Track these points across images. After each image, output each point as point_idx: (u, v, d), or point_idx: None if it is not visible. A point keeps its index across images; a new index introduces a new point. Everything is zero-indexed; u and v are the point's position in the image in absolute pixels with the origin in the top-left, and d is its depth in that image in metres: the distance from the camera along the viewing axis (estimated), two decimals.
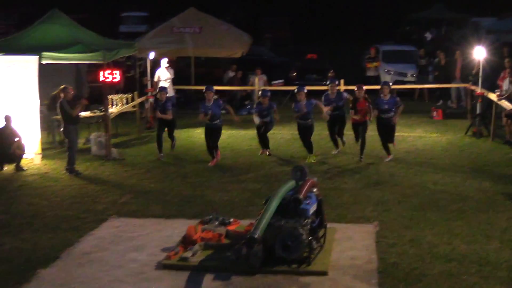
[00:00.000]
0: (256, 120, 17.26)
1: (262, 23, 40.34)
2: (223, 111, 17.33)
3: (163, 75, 21.57)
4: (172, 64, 26.22)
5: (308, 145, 17.16)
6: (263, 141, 17.61)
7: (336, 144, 17.96)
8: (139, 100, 21.00)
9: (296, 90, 17.14)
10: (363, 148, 16.99)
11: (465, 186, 14.71)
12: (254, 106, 18.23)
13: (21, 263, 10.57)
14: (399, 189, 14.50)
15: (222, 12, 29.69)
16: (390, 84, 14.92)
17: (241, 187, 14.76)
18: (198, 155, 17.14)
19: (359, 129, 16.95)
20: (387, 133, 16.48)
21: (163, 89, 16.26)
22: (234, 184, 15.12)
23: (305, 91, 16.76)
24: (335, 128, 17.75)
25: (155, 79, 21.71)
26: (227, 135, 20.38)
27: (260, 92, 18.13)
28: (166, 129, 17.69)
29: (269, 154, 17.60)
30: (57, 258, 10.73)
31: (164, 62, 21.97)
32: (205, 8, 26.64)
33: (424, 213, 12.89)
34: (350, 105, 17.22)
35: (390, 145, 16.80)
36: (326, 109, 17.21)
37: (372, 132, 16.56)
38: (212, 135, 16.57)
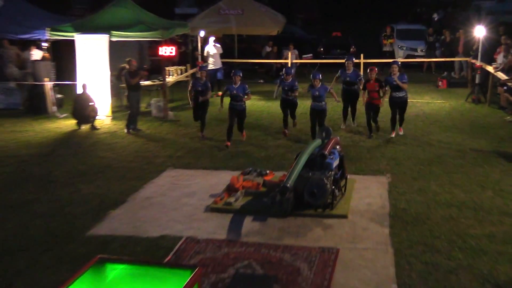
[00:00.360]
0: (276, 91, 15.75)
1: (294, 5, 40.02)
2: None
3: (211, 50, 21.53)
4: (218, 41, 26.36)
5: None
6: (285, 121, 15.75)
7: (344, 119, 16.68)
8: (191, 71, 21.01)
9: (311, 76, 14.93)
10: (376, 128, 15.67)
11: (465, 144, 14.63)
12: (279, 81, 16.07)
13: (96, 205, 10.82)
14: (408, 147, 14.47)
15: None
16: (399, 62, 13.62)
17: (276, 144, 14.80)
18: None
19: (371, 112, 15.34)
20: (400, 109, 15.00)
21: (204, 67, 14.93)
22: (270, 142, 15.16)
23: (320, 77, 14.70)
24: (349, 103, 16.22)
25: (205, 53, 21.72)
26: (265, 101, 20.42)
27: (283, 70, 16.45)
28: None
29: (286, 135, 15.69)
30: (124, 202, 11.00)
31: (212, 39, 21.86)
32: None
33: (430, 167, 12.89)
34: (361, 86, 15.76)
35: (397, 130, 15.43)
36: (337, 99, 15.68)
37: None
38: (238, 116, 14.84)
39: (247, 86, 14.96)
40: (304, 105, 17.16)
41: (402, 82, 14.57)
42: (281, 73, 23.93)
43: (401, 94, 14.54)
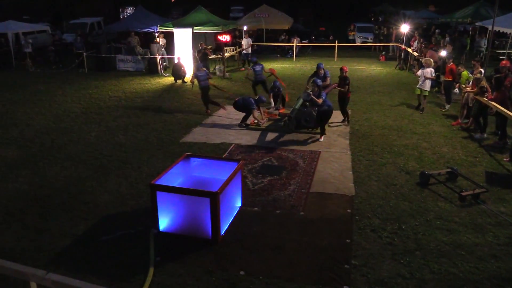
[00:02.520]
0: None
1: (298, 11, 38.64)
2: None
3: (244, 41, 20.22)
4: (254, 33, 25.63)
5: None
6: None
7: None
8: (238, 50, 20.53)
9: (316, 67, 11.03)
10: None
11: (393, 93, 14.21)
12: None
13: (185, 124, 10.80)
14: (361, 94, 14.05)
15: (279, 6, 28.73)
16: (320, 82, 9.54)
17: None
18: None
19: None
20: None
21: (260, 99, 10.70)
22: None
23: (323, 67, 11.05)
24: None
25: (242, 43, 20.51)
26: (280, 65, 19.92)
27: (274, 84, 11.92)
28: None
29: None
30: (200, 123, 10.93)
31: (245, 35, 20.47)
32: (270, 3, 25.76)
33: (373, 105, 12.58)
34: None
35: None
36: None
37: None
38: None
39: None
40: (301, 68, 16.64)
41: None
42: (290, 51, 23.55)
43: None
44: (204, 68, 12.50)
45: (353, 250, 5.41)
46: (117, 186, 7.31)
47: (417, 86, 12.06)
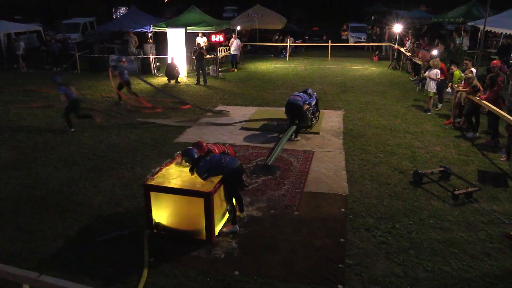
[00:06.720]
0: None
1: (292, 11, 38.59)
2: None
3: (233, 43, 19.28)
4: (247, 33, 25.60)
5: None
6: None
7: None
8: (226, 53, 20.47)
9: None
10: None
11: (386, 92, 14.27)
12: None
13: (178, 125, 10.74)
14: (355, 93, 14.12)
15: (272, 5, 28.58)
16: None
17: (279, 91, 14.51)
18: (261, 77, 16.78)
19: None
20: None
21: None
22: (276, 89, 14.83)
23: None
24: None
25: (229, 44, 19.55)
26: (273, 66, 19.94)
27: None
28: None
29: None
30: (190, 127, 10.85)
31: (234, 37, 19.31)
32: (264, 3, 25.66)
33: (366, 105, 12.61)
34: None
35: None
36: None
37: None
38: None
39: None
40: (295, 67, 16.59)
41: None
42: (283, 51, 23.55)
43: None
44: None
45: (347, 250, 5.43)
46: (110, 187, 7.27)
47: (425, 87, 12.12)
